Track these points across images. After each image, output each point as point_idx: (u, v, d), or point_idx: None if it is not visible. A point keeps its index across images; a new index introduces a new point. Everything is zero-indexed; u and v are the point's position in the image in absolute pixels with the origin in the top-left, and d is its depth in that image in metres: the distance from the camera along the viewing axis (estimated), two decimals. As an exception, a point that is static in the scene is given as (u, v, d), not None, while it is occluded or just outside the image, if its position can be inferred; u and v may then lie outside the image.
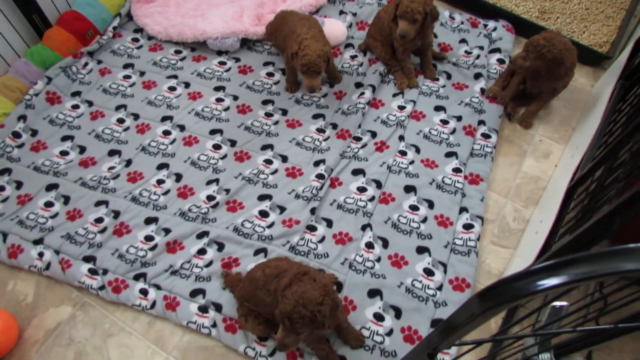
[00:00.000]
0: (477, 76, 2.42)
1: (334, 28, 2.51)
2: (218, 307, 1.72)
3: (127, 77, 2.41)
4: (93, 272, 1.79)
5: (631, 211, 1.24)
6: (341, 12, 2.68)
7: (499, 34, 2.62)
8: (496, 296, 0.59)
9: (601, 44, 2.60)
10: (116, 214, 1.94)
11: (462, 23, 2.68)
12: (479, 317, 0.63)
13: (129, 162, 2.10)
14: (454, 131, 2.24)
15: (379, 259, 1.85)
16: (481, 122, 2.28)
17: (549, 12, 2.73)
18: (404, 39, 2.18)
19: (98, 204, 1.97)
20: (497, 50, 2.55)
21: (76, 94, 2.33)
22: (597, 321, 1.02)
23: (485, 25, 2.66)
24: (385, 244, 1.90)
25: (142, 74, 2.42)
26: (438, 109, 2.32)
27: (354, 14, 2.67)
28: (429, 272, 1.83)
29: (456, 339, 0.76)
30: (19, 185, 2.02)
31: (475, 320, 0.64)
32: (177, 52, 2.52)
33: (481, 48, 2.55)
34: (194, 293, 1.76)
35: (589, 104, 2.39)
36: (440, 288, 1.80)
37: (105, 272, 1.80)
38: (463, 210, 2.00)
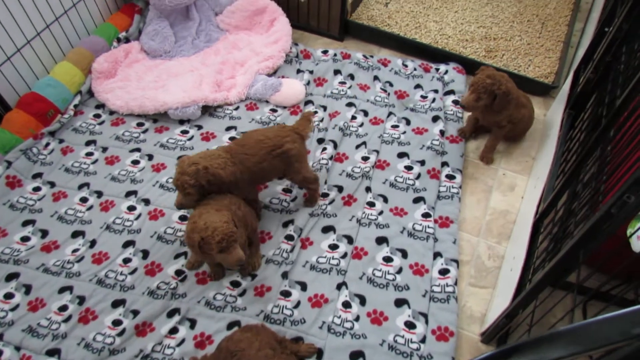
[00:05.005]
0: (435, 119, 2.48)
1: (293, 87, 2.56)
2: (194, 390, 1.63)
3: (89, 154, 2.38)
4: (58, 366, 1.69)
5: (593, 243, 1.25)
6: (298, 71, 2.75)
7: (450, 76, 2.71)
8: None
9: (546, 74, 2.72)
10: (81, 300, 1.86)
11: (415, 69, 2.77)
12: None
13: (93, 243, 2.04)
14: (419, 176, 2.26)
15: (357, 318, 1.81)
16: (444, 164, 2.32)
17: (495, 51, 2.86)
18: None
19: (62, 290, 1.89)
20: (451, 92, 2.63)
21: (37, 175, 2.29)
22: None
23: (437, 69, 2.76)
24: (362, 301, 1.85)
25: (104, 149, 2.40)
26: (401, 155, 2.35)
27: (311, 72, 2.74)
28: (410, 325, 1.79)
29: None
30: (-23, 279, 1.93)
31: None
32: (140, 124, 2.52)
33: (436, 91, 2.63)
34: (168, 377, 1.67)
35: (545, 133, 2.46)
36: (423, 340, 1.75)
37: (71, 365, 1.70)
38: (437, 255, 1.99)
